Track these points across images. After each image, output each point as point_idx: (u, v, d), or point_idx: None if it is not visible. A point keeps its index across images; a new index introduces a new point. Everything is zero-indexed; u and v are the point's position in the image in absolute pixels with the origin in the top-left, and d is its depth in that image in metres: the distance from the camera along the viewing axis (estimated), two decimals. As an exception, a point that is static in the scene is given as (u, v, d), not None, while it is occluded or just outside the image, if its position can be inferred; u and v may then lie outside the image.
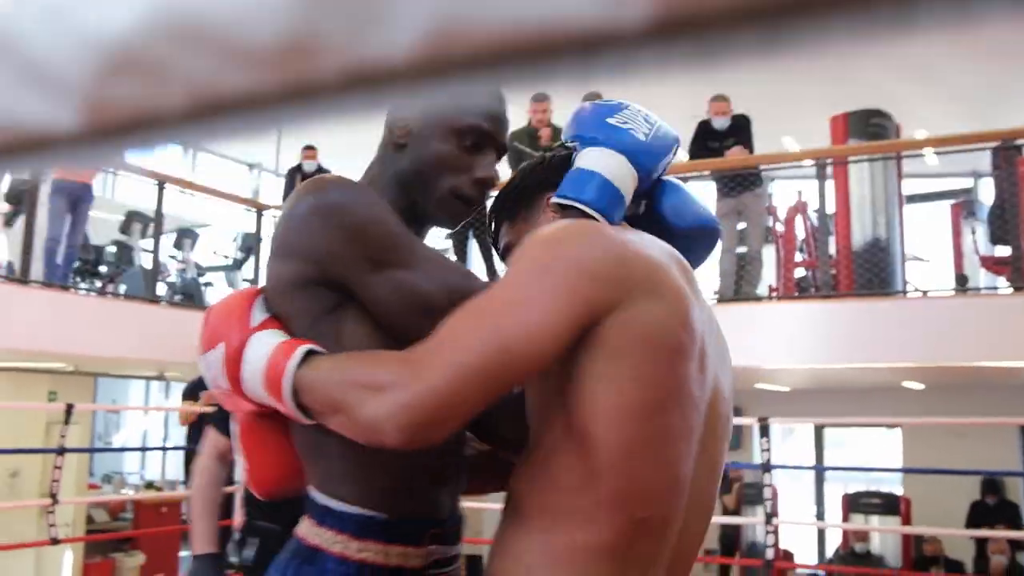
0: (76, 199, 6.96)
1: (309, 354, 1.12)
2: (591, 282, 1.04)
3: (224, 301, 1.25)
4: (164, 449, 12.08)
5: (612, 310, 1.03)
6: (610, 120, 1.27)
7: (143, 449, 12.88)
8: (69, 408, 5.85)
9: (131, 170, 7.58)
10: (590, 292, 1.03)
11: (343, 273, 1.17)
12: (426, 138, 1.26)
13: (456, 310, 1.05)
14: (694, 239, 1.33)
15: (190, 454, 6.82)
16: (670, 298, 1.08)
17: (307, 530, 1.22)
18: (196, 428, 6.71)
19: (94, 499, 10.61)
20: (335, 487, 1.21)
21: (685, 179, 10.05)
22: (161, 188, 7.24)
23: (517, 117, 7.15)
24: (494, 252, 1.64)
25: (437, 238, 7.60)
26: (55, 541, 5.99)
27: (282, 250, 1.20)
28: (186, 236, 9.02)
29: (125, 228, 8.24)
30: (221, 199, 7.90)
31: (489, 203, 1.42)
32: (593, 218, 1.21)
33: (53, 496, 5.76)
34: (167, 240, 8.33)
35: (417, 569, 1.21)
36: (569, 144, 1.31)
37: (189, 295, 8.11)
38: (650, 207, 1.33)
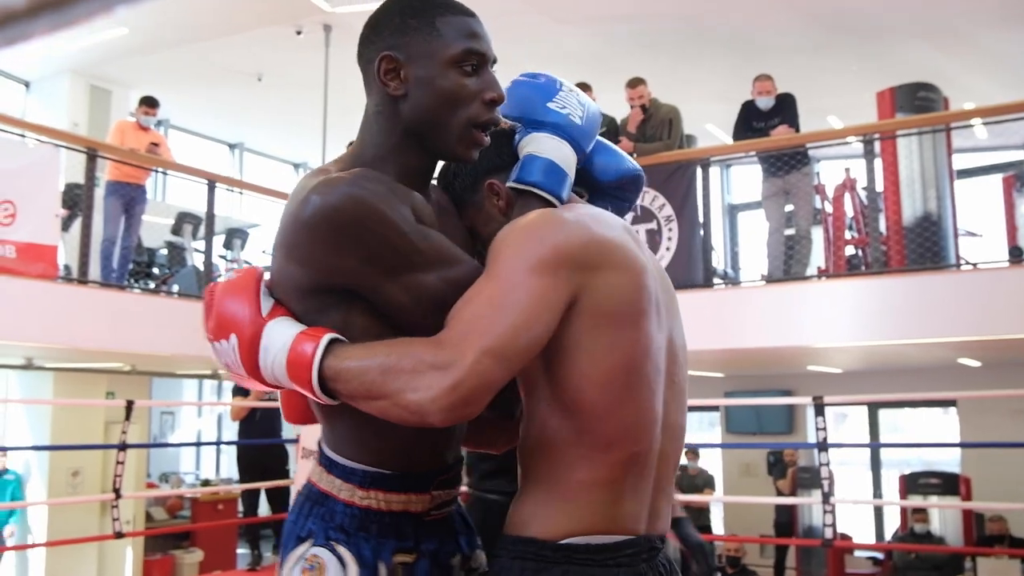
0: (130, 200, 7.11)
1: (332, 343, 1.19)
2: (572, 267, 1.20)
3: (226, 286, 1.27)
4: (219, 444, 12.28)
5: (586, 288, 1.21)
6: (551, 105, 1.36)
7: (198, 444, 13.10)
8: (129, 405, 5.97)
9: (181, 170, 7.72)
10: (573, 276, 1.20)
11: (355, 283, 1.22)
12: (426, 80, 1.26)
13: (470, 297, 1.18)
14: (623, 188, 1.53)
15: (243, 451, 6.93)
16: (628, 268, 1.26)
17: (318, 476, 1.34)
18: (247, 424, 6.82)
19: (155, 493, 10.81)
20: (343, 448, 1.32)
21: (729, 161, 10.00)
22: (212, 188, 7.35)
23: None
24: None
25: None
26: (119, 535, 6.12)
27: (290, 253, 1.22)
28: (236, 236, 9.15)
29: (176, 229, 8.38)
30: (270, 197, 8.00)
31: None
32: (549, 201, 1.35)
33: (116, 491, 5.89)
34: (218, 240, 8.45)
35: (420, 513, 1.33)
36: (507, 125, 1.38)
37: (240, 293, 8.23)
38: (579, 170, 1.43)
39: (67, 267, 6.67)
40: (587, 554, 1.22)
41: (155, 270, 8.35)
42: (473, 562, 1.41)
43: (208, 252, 7.47)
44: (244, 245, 9.19)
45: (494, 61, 1.32)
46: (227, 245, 9.08)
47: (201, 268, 7.53)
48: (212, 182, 7.43)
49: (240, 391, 6.65)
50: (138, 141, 7.23)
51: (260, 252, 9.83)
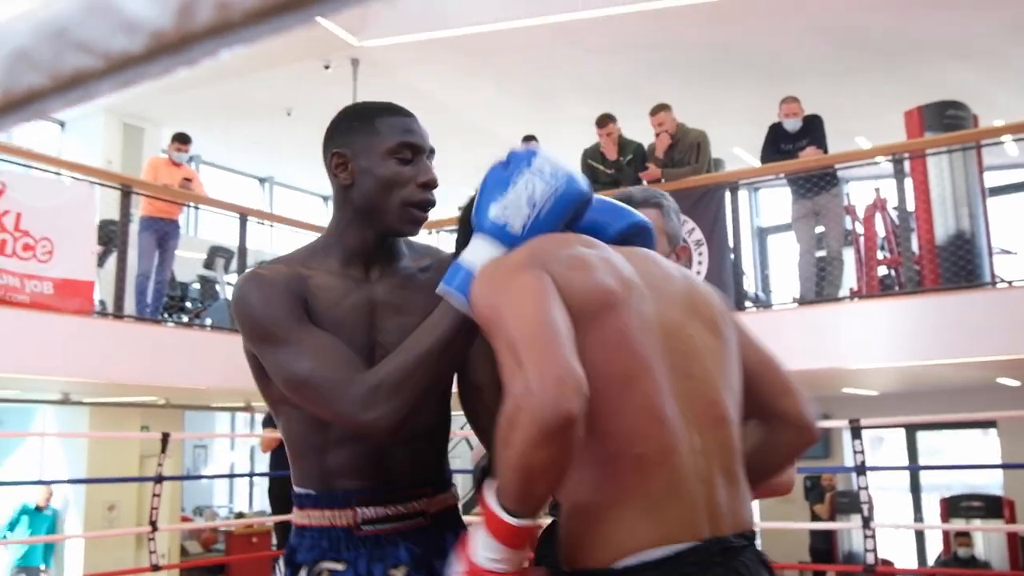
0: (163, 235, 7.20)
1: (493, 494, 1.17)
2: (539, 263, 1.24)
3: None
4: (252, 476, 12.31)
5: (558, 281, 1.22)
6: (493, 209, 1.36)
7: (232, 476, 13.14)
8: (165, 437, 6.01)
9: (213, 204, 7.82)
10: (544, 268, 1.24)
11: (249, 348, 1.51)
12: (367, 170, 1.49)
13: (512, 344, 1.15)
14: (628, 241, 1.45)
15: (274, 482, 6.93)
16: (587, 267, 1.25)
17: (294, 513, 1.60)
18: (278, 455, 6.84)
19: (190, 526, 10.84)
20: (295, 478, 1.58)
21: (758, 184, 9.98)
22: (243, 222, 7.44)
23: (588, 137, 7.22)
24: None
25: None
26: (156, 567, 6.13)
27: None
28: (267, 268, 9.22)
29: (209, 263, 8.48)
30: (300, 229, 8.08)
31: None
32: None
33: (153, 524, 5.92)
34: (249, 273, 8.52)
35: (349, 527, 1.50)
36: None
37: (272, 325, 8.29)
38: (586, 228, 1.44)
39: (102, 302, 6.75)
40: (644, 572, 1.15)
41: (188, 304, 8.43)
42: None
43: (240, 285, 7.54)
44: (275, 278, 9.26)
45: (431, 152, 1.54)
46: (259, 278, 9.15)
47: (233, 301, 7.59)
48: (244, 216, 7.52)
49: (270, 423, 6.67)
50: (171, 177, 7.34)
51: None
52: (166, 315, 7.65)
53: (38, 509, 8.88)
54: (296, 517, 1.57)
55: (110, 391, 7.89)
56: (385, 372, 1.37)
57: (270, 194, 12.80)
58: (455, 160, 11.46)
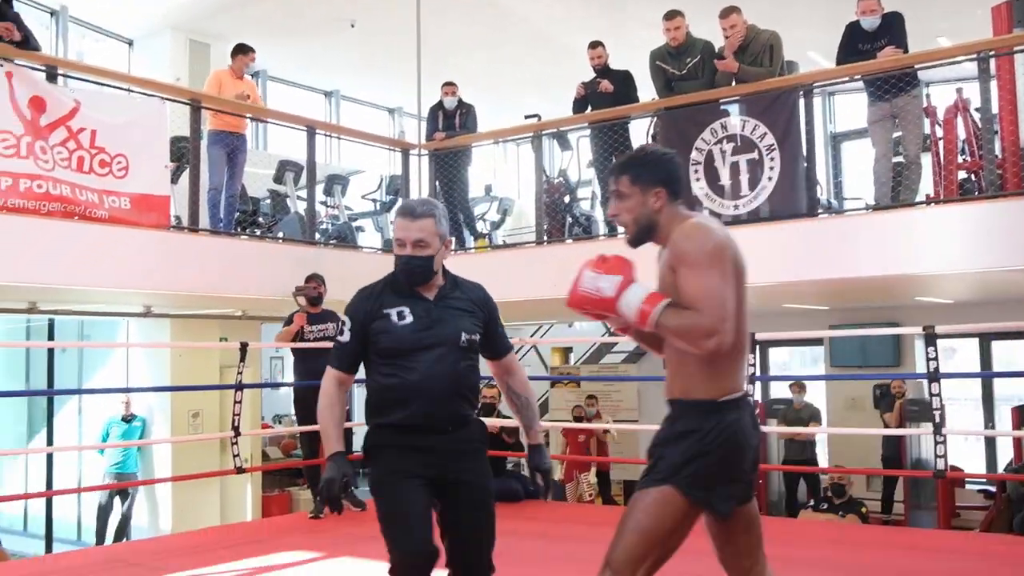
0: (232, 149, 7.27)
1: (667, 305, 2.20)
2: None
3: (618, 259, 2.28)
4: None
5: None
6: None
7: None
8: (244, 347, 6.19)
9: (281, 118, 7.87)
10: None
11: None
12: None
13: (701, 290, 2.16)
14: None
15: (298, 391, 6.77)
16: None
17: None
18: (303, 364, 6.64)
19: (270, 432, 11.26)
20: None
21: (832, 89, 9.63)
22: (311, 135, 7.48)
23: (656, 37, 7.04)
24: None
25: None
26: (240, 470, 6.41)
27: None
28: (336, 182, 9.30)
29: (278, 177, 8.57)
30: (367, 142, 8.10)
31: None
32: None
33: (235, 429, 6.15)
34: (318, 187, 8.59)
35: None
36: None
37: (343, 238, 8.39)
38: None
39: (177, 217, 6.90)
40: (731, 403, 2.24)
41: (260, 219, 8.56)
42: None
43: (311, 199, 7.62)
44: (344, 191, 9.34)
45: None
46: (327, 192, 9.24)
47: (304, 215, 7.69)
48: (311, 129, 7.56)
49: (288, 322, 6.46)
50: (236, 89, 7.37)
51: (359, 198, 9.98)
52: (239, 230, 7.80)
53: (125, 420, 9.30)
54: None
55: (189, 303, 8.12)
56: None
57: (336, 108, 12.83)
58: (522, 68, 11.33)
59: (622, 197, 2.32)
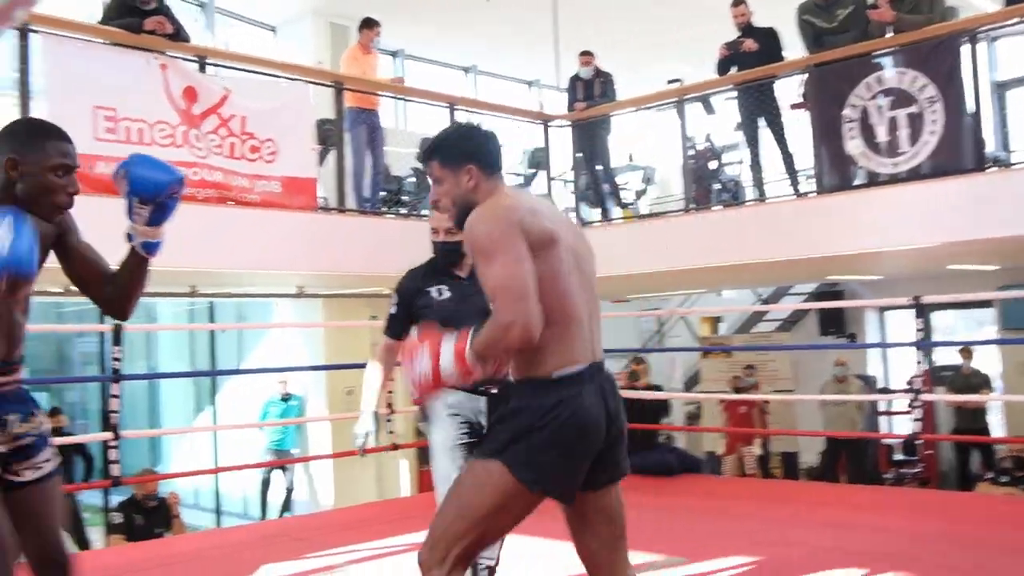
0: (372, 127, 7.33)
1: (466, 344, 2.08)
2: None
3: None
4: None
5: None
6: None
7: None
8: (393, 324, 6.22)
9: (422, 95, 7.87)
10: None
11: None
12: (33, 175, 2.03)
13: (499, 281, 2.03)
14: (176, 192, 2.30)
15: None
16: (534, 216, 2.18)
17: None
18: None
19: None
20: None
21: (996, 34, 8.96)
22: (452, 112, 7.45)
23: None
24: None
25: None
26: (395, 447, 6.50)
27: None
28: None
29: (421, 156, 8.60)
30: (509, 116, 8.02)
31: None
32: None
33: (390, 406, 6.21)
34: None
35: None
36: None
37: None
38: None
39: (324, 199, 7.00)
40: (568, 378, 2.08)
41: (405, 197, 8.62)
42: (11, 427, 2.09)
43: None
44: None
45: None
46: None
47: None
48: (452, 105, 7.53)
49: None
50: (367, 64, 7.47)
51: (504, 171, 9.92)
52: (384, 209, 7.86)
53: (283, 399, 9.61)
54: None
55: (339, 283, 8.28)
56: None
57: (475, 83, 12.82)
58: (662, 33, 11.00)
59: (437, 182, 2.25)
